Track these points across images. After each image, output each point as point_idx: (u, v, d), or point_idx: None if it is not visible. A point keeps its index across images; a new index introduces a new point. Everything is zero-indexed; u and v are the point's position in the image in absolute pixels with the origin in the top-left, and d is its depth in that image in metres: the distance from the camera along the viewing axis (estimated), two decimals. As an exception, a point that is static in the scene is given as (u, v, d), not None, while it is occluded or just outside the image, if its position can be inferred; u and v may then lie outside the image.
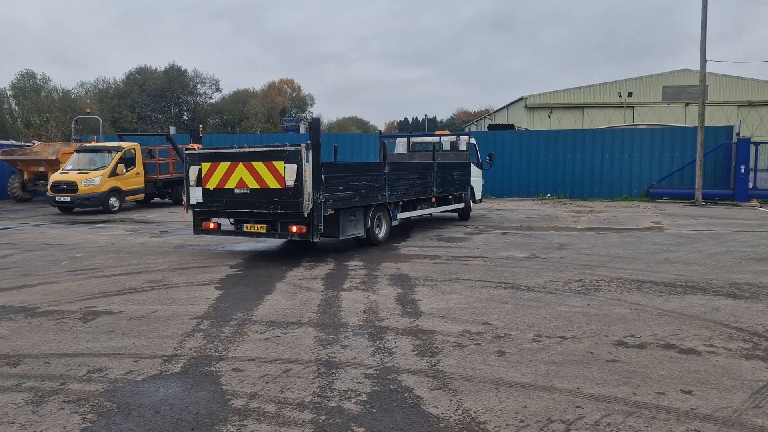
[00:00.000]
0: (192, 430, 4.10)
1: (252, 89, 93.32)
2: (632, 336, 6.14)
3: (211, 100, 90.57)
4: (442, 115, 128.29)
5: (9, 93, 66.62)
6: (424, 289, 8.38)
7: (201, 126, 12.27)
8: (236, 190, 10.57)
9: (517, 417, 4.24)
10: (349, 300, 7.82)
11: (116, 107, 74.43)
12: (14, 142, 29.00)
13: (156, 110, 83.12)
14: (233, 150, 10.90)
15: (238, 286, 8.72)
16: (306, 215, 10.05)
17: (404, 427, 4.10)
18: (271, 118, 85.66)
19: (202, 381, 5.00)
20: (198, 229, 11.45)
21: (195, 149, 11.72)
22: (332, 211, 10.74)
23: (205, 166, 10.87)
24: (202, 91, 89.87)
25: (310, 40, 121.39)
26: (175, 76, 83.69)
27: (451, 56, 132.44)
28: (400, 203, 13.33)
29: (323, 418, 4.26)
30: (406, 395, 4.65)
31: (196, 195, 11.06)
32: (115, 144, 22.17)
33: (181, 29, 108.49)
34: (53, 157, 23.19)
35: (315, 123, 10.65)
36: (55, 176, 20.35)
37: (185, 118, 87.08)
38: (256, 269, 10.08)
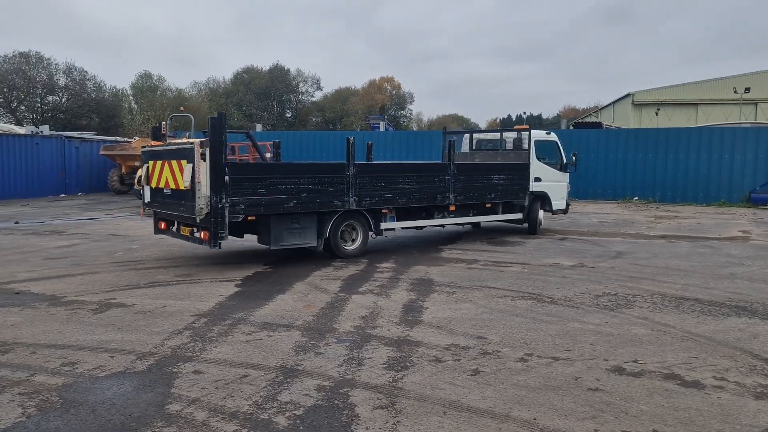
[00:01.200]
0: (112, 433, 4.08)
1: (353, 87, 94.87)
2: (636, 362, 5.50)
3: (313, 98, 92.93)
4: (548, 111, 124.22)
5: (129, 93, 71.59)
6: (439, 296, 8.02)
7: (163, 123, 11.03)
8: (164, 190, 10.14)
9: (445, 447, 3.88)
10: (356, 304, 7.62)
11: (223, 105, 78.17)
12: (118, 138, 31.19)
13: (260, 108, 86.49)
14: (162, 148, 10.44)
15: (258, 285, 8.77)
16: (198, 220, 9.31)
17: (319, 448, 3.86)
18: (371, 115, 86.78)
19: (156, 381, 5.00)
20: (156, 229, 11.14)
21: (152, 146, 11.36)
22: (251, 217, 9.73)
23: (150, 165, 10.57)
24: (303, 90, 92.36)
25: (417, 37, 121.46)
26: (278, 76, 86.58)
27: (560, 51, 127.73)
28: (386, 210, 11.32)
29: (245, 431, 4.10)
30: (344, 412, 4.40)
31: (146, 194, 10.84)
32: (193, 141, 23.21)
33: (294, 29, 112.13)
34: (130, 153, 24.63)
35: (215, 120, 9.41)
36: (140, 171, 21.61)
37: (288, 115, 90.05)
38: (285, 268, 10.11)
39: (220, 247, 9.47)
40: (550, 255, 11.42)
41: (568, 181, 14.99)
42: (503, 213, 13.54)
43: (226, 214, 9.30)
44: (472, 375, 5.16)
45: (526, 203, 13.72)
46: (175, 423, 4.22)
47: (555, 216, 16.71)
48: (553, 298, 7.94)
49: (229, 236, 9.62)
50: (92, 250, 12.00)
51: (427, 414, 4.37)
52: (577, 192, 25.12)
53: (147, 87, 71.72)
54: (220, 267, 10.12)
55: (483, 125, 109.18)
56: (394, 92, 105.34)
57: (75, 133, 31.92)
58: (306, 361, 5.51)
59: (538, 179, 13.97)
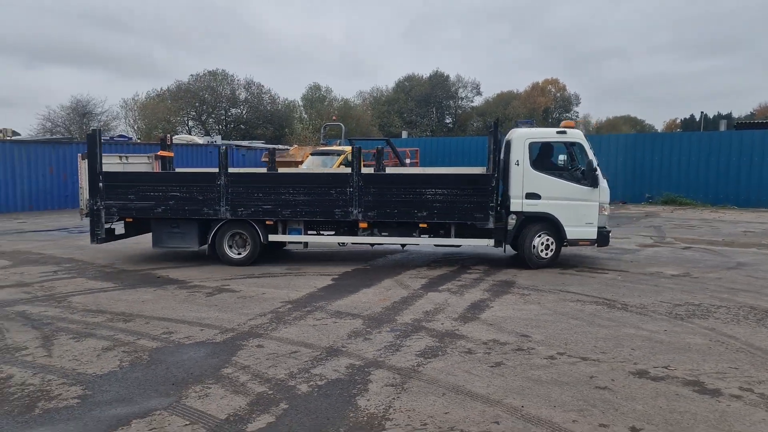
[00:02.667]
0: (173, 385, 5.16)
1: (515, 91, 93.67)
2: (666, 368, 5.51)
3: (472, 103, 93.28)
4: (741, 110, 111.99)
5: (300, 103, 77.37)
6: (510, 297, 8.33)
7: (169, 135, 12.19)
8: None
9: (424, 420, 4.41)
10: (427, 300, 8.21)
11: (385, 113, 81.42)
12: (279, 146, 34.27)
13: (420, 115, 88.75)
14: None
15: (350, 279, 9.68)
16: (82, 219, 11.35)
17: (320, 411, 4.59)
18: (533, 119, 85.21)
19: (224, 351, 6.06)
20: None
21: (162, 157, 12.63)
22: (129, 219, 11.08)
23: None
24: (463, 95, 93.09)
25: (588, 35, 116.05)
26: (438, 82, 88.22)
27: (759, 42, 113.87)
28: (275, 223, 10.84)
29: (270, 392, 4.96)
30: (358, 386, 5.08)
31: None
32: (341, 148, 24.96)
33: (459, 35, 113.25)
34: (301, 159, 27.01)
35: (91, 136, 10.94)
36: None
37: (447, 121, 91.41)
38: (384, 266, 10.93)
39: (97, 244, 11.21)
40: (658, 264, 11.01)
41: (602, 198, 10.33)
42: (457, 236, 10.53)
43: (102, 215, 10.90)
44: (492, 367, 5.56)
45: (490, 225, 10.18)
46: (221, 382, 5.20)
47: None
48: (626, 305, 7.88)
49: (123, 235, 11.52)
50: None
51: (426, 394, 4.91)
52: (737, 199, 23.07)
53: (316, 98, 76.94)
54: (327, 263, 11.20)
55: (659, 127, 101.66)
56: (558, 94, 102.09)
57: (244, 142, 35.63)
58: (352, 344, 6.26)
59: (532, 195, 10.28)
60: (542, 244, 10.39)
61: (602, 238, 10.35)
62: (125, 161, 12.33)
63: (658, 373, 5.38)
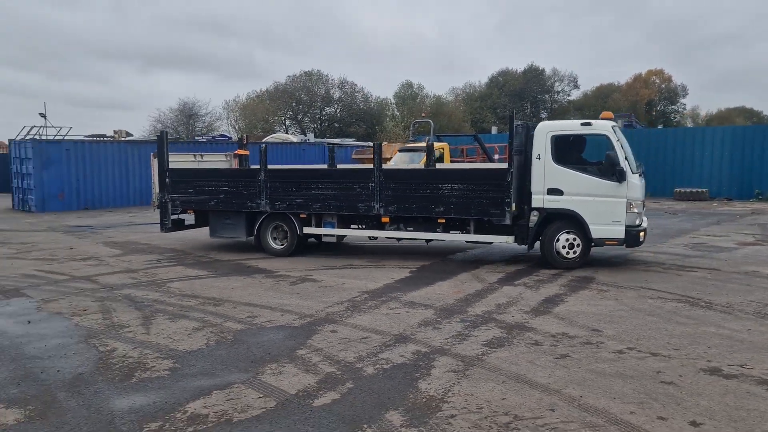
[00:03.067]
0: (251, 362, 5.61)
1: (617, 83, 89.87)
2: (742, 366, 5.34)
3: (569, 97, 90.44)
4: None
5: (392, 101, 78.13)
6: (587, 293, 8.24)
7: (245, 135, 13.59)
8: None
9: (480, 405, 4.57)
10: (501, 293, 8.29)
11: (478, 109, 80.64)
12: (371, 144, 34.90)
13: (514, 110, 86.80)
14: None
15: (427, 272, 9.89)
16: (154, 210, 12.44)
17: (382, 392, 4.86)
18: (635, 112, 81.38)
19: (300, 334, 6.47)
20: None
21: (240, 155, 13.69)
22: (190, 211, 12.29)
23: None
24: (559, 89, 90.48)
25: (698, 22, 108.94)
26: (532, 76, 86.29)
27: None
28: (309, 216, 11.27)
29: (338, 372, 5.29)
30: (421, 371, 5.31)
31: None
32: (425, 144, 25.19)
33: (556, 28, 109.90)
34: (390, 156, 27.49)
35: (159, 137, 12.18)
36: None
37: (543, 116, 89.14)
38: (462, 260, 11.06)
39: (165, 231, 12.44)
40: (756, 263, 10.43)
41: (631, 195, 9.52)
42: (477, 233, 10.35)
43: (169, 207, 12.03)
44: (556, 358, 5.61)
45: (507, 222, 9.82)
46: (294, 362, 5.59)
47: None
48: (710, 303, 7.59)
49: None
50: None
51: (486, 380, 5.05)
52: None
53: (408, 95, 77.40)
54: (406, 257, 11.46)
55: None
56: (663, 86, 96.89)
57: (335, 140, 36.61)
58: (420, 332, 6.49)
59: (554, 191, 9.79)
60: (566, 242, 9.86)
61: (631, 237, 9.54)
62: (200, 159, 13.35)
63: (732, 371, 5.22)
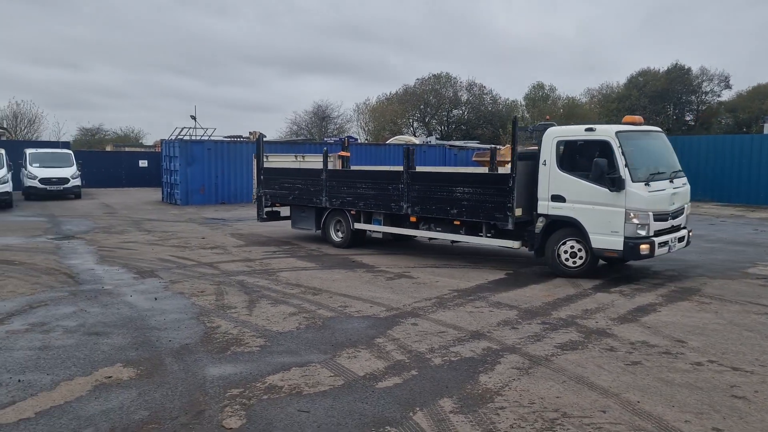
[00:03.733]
0: (332, 345, 6.14)
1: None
2: (832, 388, 5.03)
3: (719, 98, 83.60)
4: None
5: (522, 103, 76.74)
6: (686, 304, 7.95)
7: (347, 137, 15.45)
8: None
9: (533, 400, 4.75)
10: (592, 299, 8.22)
11: (614, 111, 76.87)
12: (485, 147, 34.69)
13: (654, 112, 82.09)
14: None
15: (523, 275, 9.95)
16: (253, 203, 14.56)
17: (442, 381, 5.18)
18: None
19: (383, 325, 6.92)
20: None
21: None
22: (277, 204, 14.00)
23: None
24: (708, 89, 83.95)
25: None
26: (676, 76, 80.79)
27: None
28: (358, 212, 12.36)
29: (407, 361, 5.67)
30: (485, 366, 5.55)
31: None
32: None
33: (710, 23, 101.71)
34: (507, 159, 27.32)
35: (257, 140, 14.16)
36: (497, 175, 24.27)
37: (688, 119, 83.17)
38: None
39: (261, 222, 14.55)
40: None
41: (631, 204, 8.92)
42: (488, 236, 10.44)
43: (263, 201, 13.98)
44: (627, 365, 5.59)
45: (510, 226, 9.83)
46: (370, 348, 6.04)
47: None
48: (823, 323, 7.05)
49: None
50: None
51: (547, 379, 5.19)
52: None
53: (539, 97, 75.60)
54: (505, 259, 11.53)
55: None
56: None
57: (458, 143, 36.80)
58: (497, 331, 6.68)
59: (557, 197, 9.55)
60: (569, 250, 9.56)
61: (629, 250, 8.90)
62: (300, 159, 14.46)
63: (818, 391, 4.93)
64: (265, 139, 15.68)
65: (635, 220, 8.94)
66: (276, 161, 14.82)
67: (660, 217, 9.19)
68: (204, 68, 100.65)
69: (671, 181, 9.56)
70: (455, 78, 63.77)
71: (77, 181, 25.85)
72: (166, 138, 26.18)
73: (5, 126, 42.11)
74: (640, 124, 9.87)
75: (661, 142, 10.17)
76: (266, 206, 14.12)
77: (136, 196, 27.90)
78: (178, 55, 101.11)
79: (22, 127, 47.70)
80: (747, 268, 10.66)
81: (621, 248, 9.02)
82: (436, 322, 7.04)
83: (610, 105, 78.54)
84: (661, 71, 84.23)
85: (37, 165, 25.36)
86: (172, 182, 24.35)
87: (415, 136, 46.94)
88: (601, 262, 9.94)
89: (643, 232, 8.98)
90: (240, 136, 30.12)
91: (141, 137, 62.62)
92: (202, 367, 5.47)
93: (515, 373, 5.32)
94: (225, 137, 26.98)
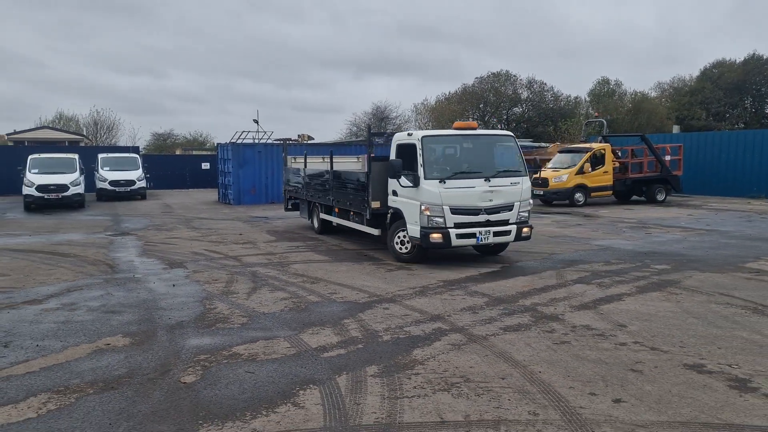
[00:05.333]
0: (302, 324, 7.03)
1: None
2: (730, 365, 5.49)
3: (805, 89, 78.95)
4: None
5: (587, 99, 75.16)
6: (654, 294, 8.35)
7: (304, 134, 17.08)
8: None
9: (447, 369, 5.48)
10: (566, 290, 8.74)
11: (686, 105, 74.16)
12: (542, 144, 34.73)
13: (730, 105, 78.57)
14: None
15: (517, 269, 10.52)
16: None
17: (379, 353, 5.97)
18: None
19: (358, 308, 7.75)
20: None
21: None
22: (293, 197, 17.17)
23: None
24: (791, 80, 79.43)
25: None
26: (754, 67, 76.99)
27: None
28: (320, 204, 14.94)
29: (360, 337, 6.49)
30: (425, 342, 6.30)
31: None
32: (587, 145, 24.65)
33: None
34: (545, 157, 27.39)
35: (281, 144, 14.93)
36: (539, 174, 24.48)
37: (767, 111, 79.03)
38: (563, 259, 11.40)
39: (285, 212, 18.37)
40: None
41: (424, 198, 10.28)
42: (365, 224, 12.39)
43: (285, 196, 17.75)
44: (554, 344, 6.20)
45: (368, 216, 11.88)
46: (334, 327, 6.90)
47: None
48: (776, 312, 7.35)
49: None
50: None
51: (472, 353, 5.89)
52: None
53: (604, 93, 73.89)
54: (515, 254, 12.08)
55: None
56: None
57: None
58: (456, 315, 7.40)
59: (394, 192, 11.27)
60: (399, 238, 11.21)
61: (423, 238, 10.34)
62: (327, 161, 15.34)
63: (714, 368, 5.42)
64: (313, 141, 17.90)
65: (427, 213, 10.32)
66: (292, 163, 17.13)
67: (463, 211, 10.37)
68: (275, 72, 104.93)
69: (487, 180, 10.50)
70: (515, 76, 63.45)
71: (143, 183, 27.97)
72: (226, 141, 27.90)
73: (85, 133, 45.55)
74: (472, 128, 11.21)
75: (488, 146, 11.30)
76: (288, 199, 17.47)
77: (196, 197, 29.84)
78: (251, 59, 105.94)
79: (102, 134, 51.45)
80: (747, 262, 10.80)
81: (418, 236, 10.46)
82: (406, 307, 7.82)
83: (682, 99, 75.86)
84: (737, 62, 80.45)
85: (108, 168, 27.66)
86: (226, 183, 25.99)
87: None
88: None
89: (437, 223, 10.30)
90: (289, 139, 31.59)
91: (208, 141, 65.77)
92: (186, 338, 6.50)
93: (447, 348, 6.05)
94: (276, 140, 28.44)
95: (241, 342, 6.35)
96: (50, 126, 46.10)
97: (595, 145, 24.11)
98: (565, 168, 23.59)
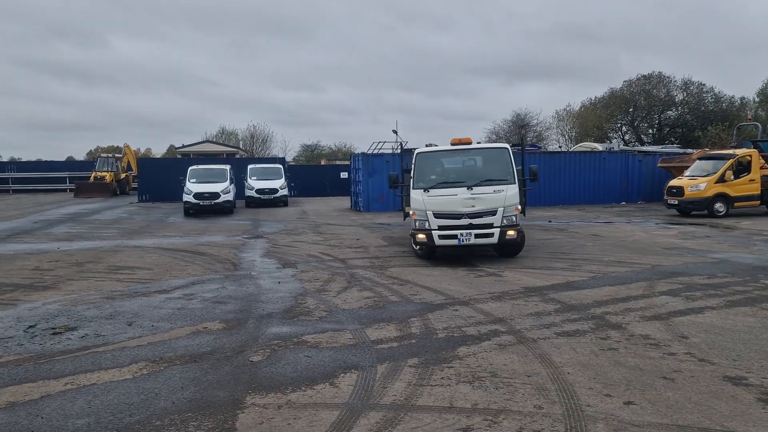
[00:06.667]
0: (372, 320, 7.75)
1: None
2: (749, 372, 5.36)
3: None
4: None
5: (756, 100, 68.28)
6: (743, 309, 8.01)
7: (402, 143, 16.36)
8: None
9: (482, 365, 5.91)
10: (647, 301, 8.62)
11: None
12: (687, 150, 32.32)
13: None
14: None
15: (607, 276, 10.42)
16: None
17: (427, 347, 6.52)
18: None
19: (428, 309, 8.32)
20: None
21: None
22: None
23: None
24: None
25: None
26: None
27: None
28: None
29: (417, 333, 7.08)
30: (475, 341, 6.73)
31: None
32: (730, 152, 22.78)
33: None
34: (688, 164, 25.61)
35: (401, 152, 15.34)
36: (672, 182, 23.11)
37: None
38: (665, 271, 11.05)
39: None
40: None
41: (413, 205, 12.55)
42: None
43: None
44: (601, 350, 6.34)
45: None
46: (400, 324, 7.54)
47: None
48: None
49: None
50: (565, 244, 15.33)
51: (513, 353, 6.25)
52: None
53: (777, 91, 66.83)
54: (611, 264, 11.87)
55: None
56: None
57: (650, 148, 34.92)
58: (519, 319, 7.69)
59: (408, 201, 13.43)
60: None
61: (411, 238, 12.73)
62: None
63: (755, 382, 5.31)
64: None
65: (414, 217, 12.31)
66: None
67: (446, 215, 11.91)
68: (426, 81, 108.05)
69: (469, 188, 11.90)
70: (668, 77, 59.42)
71: (285, 191, 30.46)
72: (360, 152, 29.54)
73: (241, 146, 50.18)
74: (467, 143, 12.75)
75: (479, 158, 12.99)
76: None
77: (332, 204, 31.83)
78: (402, 70, 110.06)
79: (257, 146, 56.32)
80: None
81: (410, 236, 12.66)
82: (475, 309, 8.25)
83: None
84: None
85: (255, 178, 30.49)
86: (357, 192, 27.55)
87: (608, 142, 45.12)
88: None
89: (422, 225, 12.09)
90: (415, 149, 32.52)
91: (351, 151, 69.10)
92: (269, 327, 7.51)
93: (492, 347, 6.45)
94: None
95: (313, 332, 7.21)
96: (212, 140, 51.52)
97: (740, 151, 22.31)
98: (704, 176, 22.08)
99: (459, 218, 11.91)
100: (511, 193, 12.01)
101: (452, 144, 12.93)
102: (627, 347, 6.41)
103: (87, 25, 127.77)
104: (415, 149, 13.49)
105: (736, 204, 21.72)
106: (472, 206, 11.85)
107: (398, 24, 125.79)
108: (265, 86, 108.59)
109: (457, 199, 11.93)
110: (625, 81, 60.51)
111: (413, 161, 12.67)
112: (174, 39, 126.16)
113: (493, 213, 11.89)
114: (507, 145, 12.90)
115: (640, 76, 59.93)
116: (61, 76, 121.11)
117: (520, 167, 13.88)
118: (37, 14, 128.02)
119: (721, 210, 21.53)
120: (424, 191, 12.15)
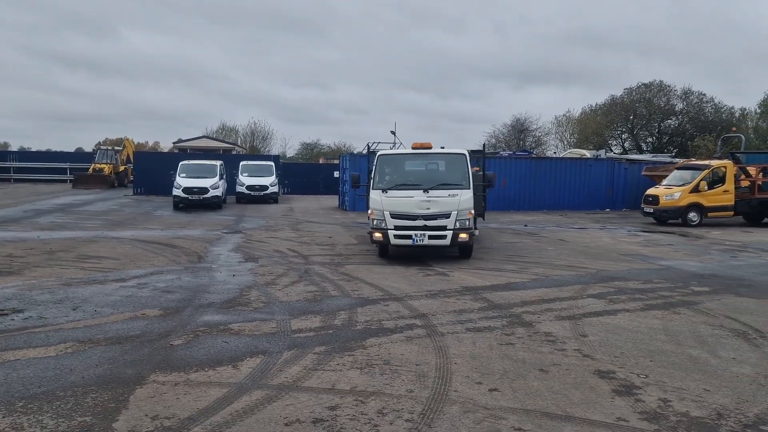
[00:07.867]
0: (302, 312, 8.24)
1: None
2: (641, 375, 5.81)
3: None
4: None
5: (757, 111, 68.24)
6: (654, 312, 8.44)
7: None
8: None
9: (379, 353, 6.39)
10: (572, 303, 9.06)
11: None
12: (674, 160, 32.63)
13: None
14: None
15: (549, 278, 10.87)
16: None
17: (339, 337, 7.00)
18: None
19: (362, 304, 8.80)
20: None
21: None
22: None
23: None
24: None
25: None
26: None
27: None
28: None
29: (339, 324, 7.57)
30: (386, 332, 7.22)
31: None
32: (706, 162, 23.13)
33: None
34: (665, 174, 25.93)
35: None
36: (649, 191, 23.45)
37: None
38: (607, 277, 11.47)
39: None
40: None
41: (372, 205, 13.09)
42: None
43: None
44: (499, 344, 6.81)
45: None
46: (326, 316, 8.03)
47: None
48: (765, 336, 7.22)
49: None
50: (526, 247, 15.76)
51: (413, 344, 6.72)
52: None
53: (777, 103, 66.76)
54: (572, 269, 12.30)
55: None
56: None
57: (636, 156, 35.26)
58: (440, 315, 8.16)
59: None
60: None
61: (369, 236, 13.31)
62: None
63: (621, 376, 5.76)
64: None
65: (372, 216, 12.84)
66: None
67: (402, 216, 12.44)
68: (436, 83, 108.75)
69: (425, 191, 12.42)
70: (669, 86, 59.56)
71: (275, 188, 31.02)
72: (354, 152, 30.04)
73: (240, 143, 50.80)
74: (427, 148, 13.28)
75: (438, 163, 13.66)
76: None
77: (321, 203, 32.36)
78: (413, 71, 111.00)
79: (257, 142, 56.97)
80: (805, 290, 10.17)
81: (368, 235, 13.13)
82: (405, 305, 8.72)
83: None
84: None
85: (246, 174, 31.06)
86: (344, 191, 28.06)
87: (606, 150, 45.43)
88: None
89: (379, 225, 12.63)
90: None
91: (351, 150, 69.65)
92: (202, 315, 8.01)
93: (399, 339, 6.92)
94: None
95: (241, 321, 7.71)
96: (210, 136, 52.21)
97: (715, 162, 22.66)
98: (680, 185, 22.44)
99: (414, 219, 12.43)
100: (465, 197, 12.49)
101: (413, 148, 13.53)
102: (525, 343, 6.87)
103: (99, 16, 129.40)
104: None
105: (709, 214, 22.06)
106: (428, 208, 12.37)
107: (410, 24, 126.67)
108: (274, 83, 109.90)
109: (413, 201, 12.44)
110: (625, 89, 60.73)
111: (375, 163, 13.25)
112: (186, 32, 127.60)
113: (447, 216, 12.38)
114: (465, 151, 13.34)
115: (640, 83, 60.12)
116: (73, 67, 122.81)
117: (494, 172, 14.61)
118: (49, 5, 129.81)
119: (694, 219, 21.87)
120: (383, 192, 12.69)
